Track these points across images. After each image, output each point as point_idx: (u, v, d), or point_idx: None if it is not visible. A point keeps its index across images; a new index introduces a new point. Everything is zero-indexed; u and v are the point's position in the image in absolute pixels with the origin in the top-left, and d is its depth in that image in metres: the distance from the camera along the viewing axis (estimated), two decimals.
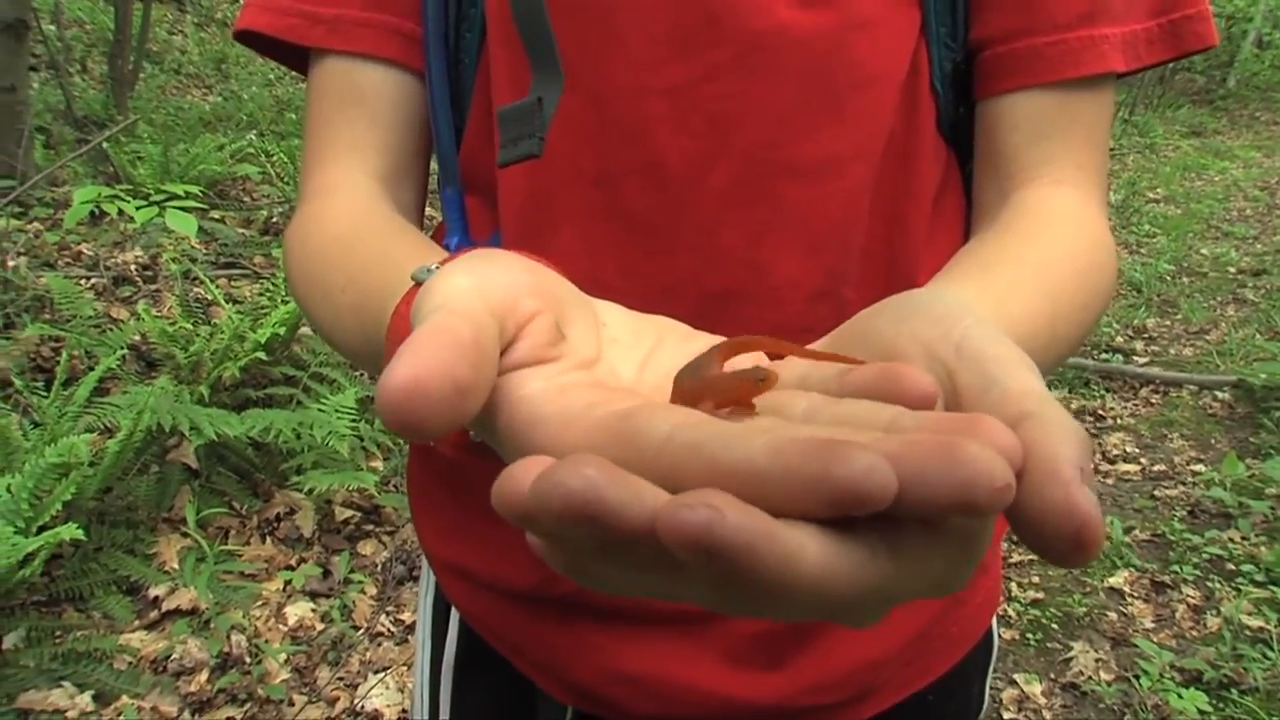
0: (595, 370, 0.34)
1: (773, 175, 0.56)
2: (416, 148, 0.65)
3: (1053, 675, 2.30)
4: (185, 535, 2.30)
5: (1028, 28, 0.57)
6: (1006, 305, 0.48)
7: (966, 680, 0.74)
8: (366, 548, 2.49)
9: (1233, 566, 2.68)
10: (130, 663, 1.98)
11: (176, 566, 2.23)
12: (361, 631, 2.20)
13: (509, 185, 0.60)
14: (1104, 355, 4.32)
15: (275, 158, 4.81)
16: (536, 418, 0.30)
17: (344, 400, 2.54)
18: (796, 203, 0.56)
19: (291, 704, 1.97)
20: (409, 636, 2.22)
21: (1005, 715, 2.17)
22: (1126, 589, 2.62)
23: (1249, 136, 11.00)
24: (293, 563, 2.39)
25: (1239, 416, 3.69)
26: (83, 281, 3.30)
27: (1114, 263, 0.59)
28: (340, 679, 2.06)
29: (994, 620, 0.75)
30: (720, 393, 0.31)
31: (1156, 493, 3.14)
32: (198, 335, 2.81)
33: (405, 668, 2.10)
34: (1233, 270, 5.76)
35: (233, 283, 3.62)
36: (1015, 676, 2.28)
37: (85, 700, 1.85)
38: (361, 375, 2.86)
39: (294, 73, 0.69)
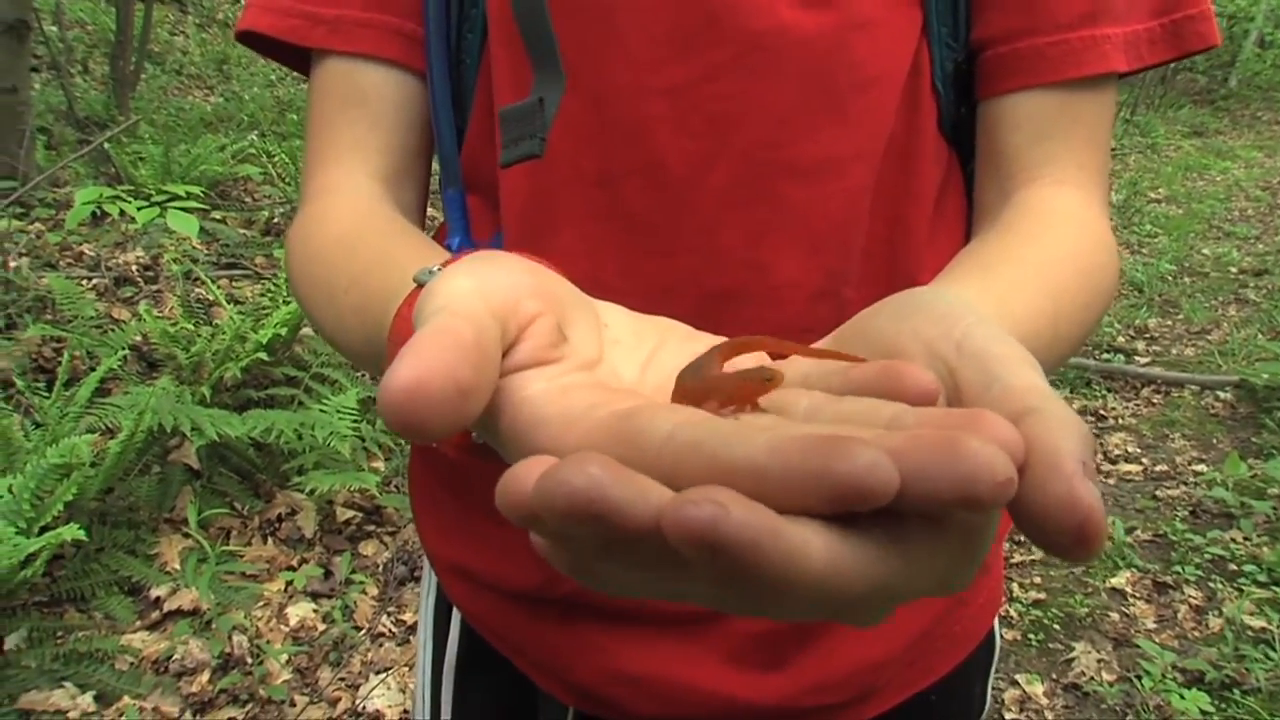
0: (597, 371, 0.34)
1: (773, 175, 0.56)
2: (418, 148, 0.65)
3: (1054, 676, 2.30)
4: (187, 536, 2.30)
5: (1029, 28, 0.57)
6: (1009, 305, 0.47)
7: (968, 680, 0.74)
8: (368, 548, 2.49)
9: (1235, 567, 2.67)
10: (132, 663, 1.98)
11: (178, 567, 2.23)
12: (363, 632, 2.20)
13: (510, 185, 0.60)
14: (1106, 355, 4.31)
15: (277, 158, 4.81)
16: (539, 419, 0.30)
17: (345, 401, 2.54)
18: (797, 203, 0.56)
19: (293, 704, 1.97)
20: (410, 637, 2.22)
21: (1007, 716, 2.16)
22: (1128, 589, 2.61)
23: (1251, 136, 10.99)
24: (294, 563, 2.39)
25: (1241, 416, 3.69)
26: (84, 282, 3.30)
27: (1116, 262, 0.59)
28: (342, 679, 2.06)
29: (996, 621, 0.75)
30: (726, 393, 0.31)
31: (1158, 493, 3.13)
32: (199, 336, 2.81)
33: (407, 668, 2.10)
34: (1234, 270, 5.75)
35: (234, 283, 3.62)
36: (1017, 677, 2.28)
37: (87, 701, 1.85)
38: (363, 376, 2.86)
39: (295, 74, 0.69)
